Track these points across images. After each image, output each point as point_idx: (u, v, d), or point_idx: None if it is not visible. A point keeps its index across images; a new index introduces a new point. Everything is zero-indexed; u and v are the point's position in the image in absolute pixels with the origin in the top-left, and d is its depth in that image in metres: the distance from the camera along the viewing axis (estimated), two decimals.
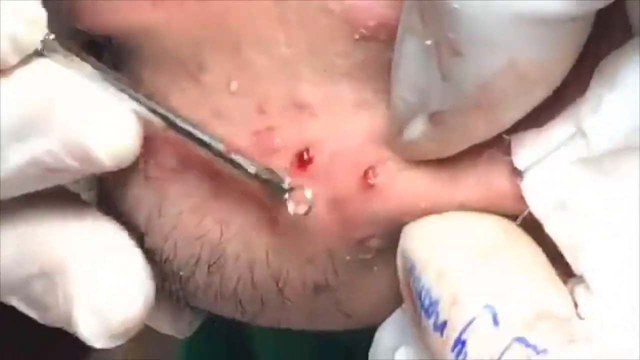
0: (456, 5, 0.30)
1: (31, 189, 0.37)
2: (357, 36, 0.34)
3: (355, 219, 0.35)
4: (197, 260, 0.37)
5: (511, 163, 0.33)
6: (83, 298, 0.37)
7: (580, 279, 0.32)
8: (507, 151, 0.33)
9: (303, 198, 0.35)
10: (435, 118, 0.33)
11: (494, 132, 0.33)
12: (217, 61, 0.36)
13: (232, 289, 0.37)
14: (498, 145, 0.34)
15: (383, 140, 0.35)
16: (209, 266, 0.37)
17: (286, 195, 0.35)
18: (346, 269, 0.36)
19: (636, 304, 0.30)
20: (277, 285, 0.37)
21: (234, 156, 0.35)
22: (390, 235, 0.35)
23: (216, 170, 0.36)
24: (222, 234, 0.37)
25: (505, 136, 0.33)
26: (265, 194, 0.35)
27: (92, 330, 0.37)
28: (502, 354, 0.30)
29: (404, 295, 0.34)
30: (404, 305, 0.36)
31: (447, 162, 0.34)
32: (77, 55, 0.36)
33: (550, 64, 0.31)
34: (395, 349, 0.35)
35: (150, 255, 0.38)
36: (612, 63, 0.32)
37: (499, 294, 0.31)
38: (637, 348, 0.29)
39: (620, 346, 0.29)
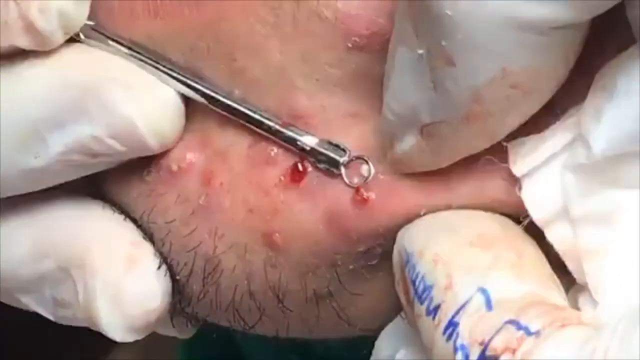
0: (449, 12, 0.30)
1: (69, 177, 0.37)
2: (350, 45, 0.34)
3: (355, 233, 0.35)
4: (191, 271, 0.37)
5: (507, 170, 0.33)
6: (105, 292, 0.36)
7: (583, 287, 0.32)
8: (503, 157, 0.33)
9: (358, 171, 0.35)
10: (427, 130, 0.32)
11: (487, 144, 0.33)
12: (214, 69, 0.36)
13: (229, 300, 0.37)
14: (493, 151, 0.33)
15: (375, 153, 0.35)
16: (204, 277, 0.37)
17: (342, 169, 0.35)
18: (350, 277, 0.36)
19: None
20: (277, 295, 0.36)
21: (288, 131, 0.35)
22: (393, 238, 0.35)
23: (210, 177, 0.36)
24: (215, 247, 0.36)
25: (504, 143, 0.33)
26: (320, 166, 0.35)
27: (114, 323, 0.37)
28: (494, 335, 0.29)
29: (399, 292, 0.34)
30: (402, 313, 0.36)
31: (440, 171, 0.34)
32: (112, 40, 0.36)
33: (543, 73, 0.31)
34: (394, 354, 0.35)
35: None
36: (612, 70, 0.31)
37: (494, 278, 0.31)
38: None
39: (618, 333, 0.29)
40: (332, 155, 0.35)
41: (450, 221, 0.33)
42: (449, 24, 0.30)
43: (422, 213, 0.34)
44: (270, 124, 0.35)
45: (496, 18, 0.29)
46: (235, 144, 0.36)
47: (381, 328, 0.37)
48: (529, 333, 0.29)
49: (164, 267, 0.37)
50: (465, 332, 0.30)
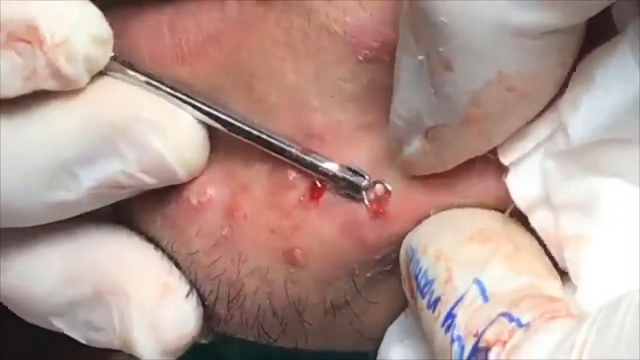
0: (444, 20, 0.31)
1: (96, 206, 0.38)
2: (361, 58, 0.35)
3: (372, 243, 0.36)
4: (217, 298, 0.38)
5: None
6: (141, 318, 0.38)
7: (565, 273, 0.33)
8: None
9: (381, 193, 0.36)
10: (431, 134, 0.33)
11: (488, 146, 0.34)
12: (236, 101, 0.37)
13: (254, 318, 0.38)
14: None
15: (385, 162, 0.36)
16: (229, 302, 0.38)
17: (364, 193, 0.36)
18: (366, 284, 0.37)
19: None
20: (297, 310, 0.38)
21: (309, 158, 0.36)
22: None
23: (233, 210, 0.37)
24: (239, 272, 0.38)
25: None
26: (340, 192, 0.36)
27: (150, 348, 0.38)
28: (487, 327, 0.31)
29: (404, 288, 0.35)
30: (406, 310, 0.37)
31: (447, 174, 0.35)
32: (134, 71, 0.37)
33: (539, 76, 0.32)
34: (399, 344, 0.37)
35: None
36: (590, 63, 0.32)
37: (490, 271, 0.32)
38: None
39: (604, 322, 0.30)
40: (353, 180, 0.36)
41: (453, 219, 0.35)
42: (445, 31, 0.31)
43: (431, 214, 0.36)
44: (292, 150, 0.36)
45: (490, 24, 0.30)
46: (257, 173, 0.37)
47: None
48: (520, 325, 0.31)
49: (194, 292, 0.39)
50: (462, 323, 0.31)
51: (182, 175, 0.37)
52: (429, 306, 0.33)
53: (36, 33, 0.35)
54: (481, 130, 0.33)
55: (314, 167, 0.36)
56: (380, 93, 0.35)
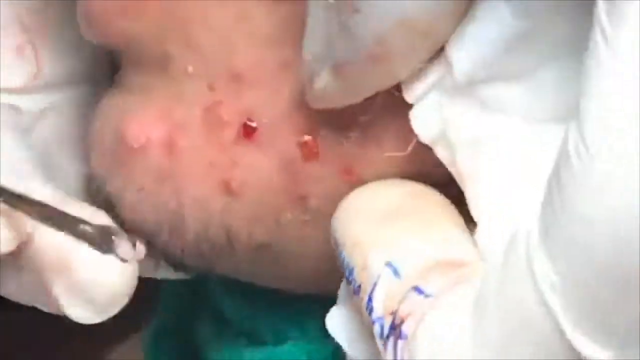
0: None
1: None
2: None
3: (301, 177, 0.39)
4: (161, 229, 0.41)
5: None
6: (66, 278, 0.40)
7: None
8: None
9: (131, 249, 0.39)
10: (337, 68, 0.35)
11: (391, 82, 0.36)
12: (177, 50, 0.40)
13: (192, 246, 0.41)
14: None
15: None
16: (171, 231, 0.41)
17: (116, 250, 0.39)
18: (287, 229, 0.40)
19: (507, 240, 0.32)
20: (230, 241, 0.41)
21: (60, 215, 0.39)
22: (326, 196, 0.39)
23: (170, 144, 0.40)
24: (181, 203, 0.40)
25: None
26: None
27: (77, 310, 0.40)
28: (400, 303, 0.33)
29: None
30: None
31: (372, 125, 0.38)
32: None
33: (439, 18, 0.33)
34: None
35: (121, 224, 0.42)
36: None
37: (400, 251, 0.34)
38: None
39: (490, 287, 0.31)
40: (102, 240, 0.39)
41: (366, 202, 0.37)
42: None
43: (358, 168, 0.38)
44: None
45: None
46: (191, 112, 0.40)
47: (317, 288, 0.42)
48: (427, 297, 0.32)
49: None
50: (379, 305, 0.33)
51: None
52: (355, 292, 0.35)
53: None
54: (384, 68, 0.35)
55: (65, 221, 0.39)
56: (296, 31, 0.37)
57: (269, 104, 0.39)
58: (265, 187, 0.39)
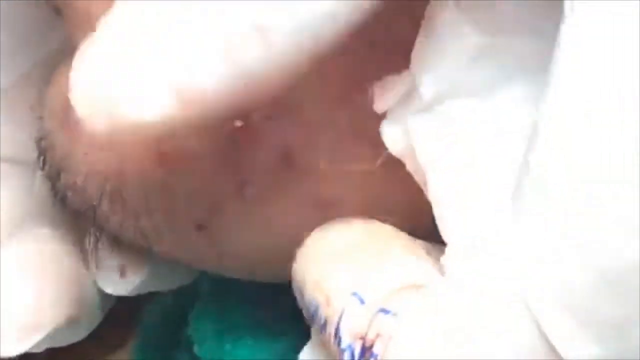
0: None
1: None
2: None
3: (239, 161, 0.39)
4: (102, 193, 0.41)
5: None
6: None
7: None
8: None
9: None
10: None
11: None
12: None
13: (132, 218, 0.41)
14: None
15: None
16: (111, 201, 0.41)
17: None
18: (224, 210, 0.40)
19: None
20: (167, 217, 0.41)
21: None
22: (266, 185, 0.39)
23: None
24: (122, 168, 0.40)
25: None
26: None
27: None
28: (368, 327, 0.33)
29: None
30: None
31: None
32: None
33: None
34: None
35: (67, 190, 0.42)
36: (431, 14, 0.34)
37: (362, 281, 0.34)
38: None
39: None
40: None
41: (320, 244, 0.37)
42: None
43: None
44: None
45: None
46: None
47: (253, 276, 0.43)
48: (393, 315, 0.33)
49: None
50: (347, 333, 0.34)
51: None
52: (322, 330, 0.35)
53: None
54: None
55: None
56: None
57: None
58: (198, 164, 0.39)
